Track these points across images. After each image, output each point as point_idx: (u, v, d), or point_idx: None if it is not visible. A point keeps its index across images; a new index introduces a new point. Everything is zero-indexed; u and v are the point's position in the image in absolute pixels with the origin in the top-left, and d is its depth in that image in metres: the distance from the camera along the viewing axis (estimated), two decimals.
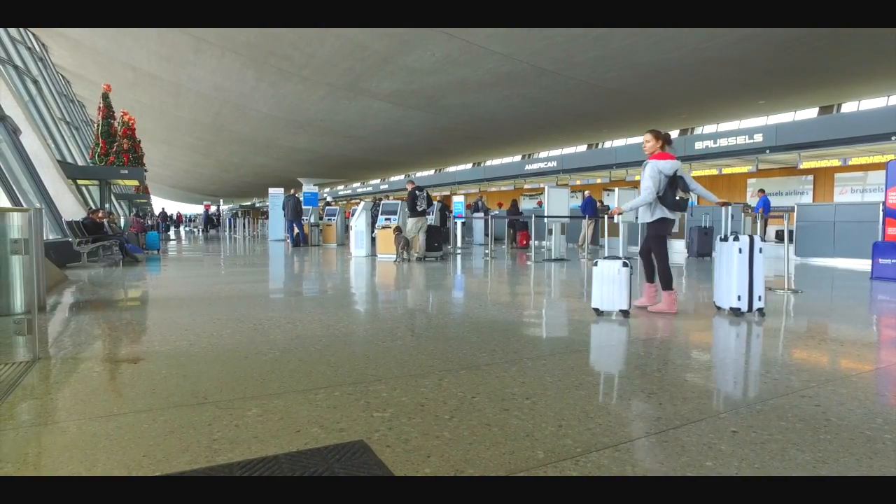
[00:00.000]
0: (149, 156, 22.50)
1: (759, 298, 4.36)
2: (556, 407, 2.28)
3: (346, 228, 15.26)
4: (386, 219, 10.56)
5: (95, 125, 16.97)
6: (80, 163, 16.04)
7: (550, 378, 2.71)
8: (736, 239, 4.39)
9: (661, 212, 4.49)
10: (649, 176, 4.44)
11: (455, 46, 13.51)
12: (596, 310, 4.38)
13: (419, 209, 9.84)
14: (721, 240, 4.56)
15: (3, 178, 7.95)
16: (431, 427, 2.06)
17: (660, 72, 14.43)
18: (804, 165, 16.07)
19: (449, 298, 5.63)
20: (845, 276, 7.71)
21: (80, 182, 15.02)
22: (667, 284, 4.52)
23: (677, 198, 4.43)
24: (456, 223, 12.92)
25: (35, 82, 14.86)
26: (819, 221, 9.91)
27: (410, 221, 9.86)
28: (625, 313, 4.31)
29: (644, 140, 4.66)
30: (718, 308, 4.55)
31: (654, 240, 4.61)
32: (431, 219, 11.10)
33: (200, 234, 27.90)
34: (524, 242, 13.77)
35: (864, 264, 8.18)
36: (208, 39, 14.80)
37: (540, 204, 18.84)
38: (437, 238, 10.49)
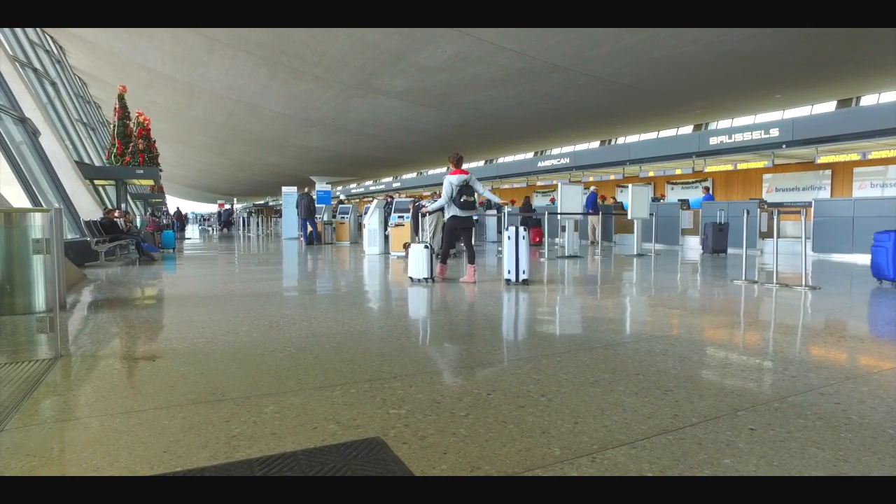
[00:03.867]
0: (164, 156, 22.79)
1: (524, 272, 6.07)
2: (572, 403, 2.28)
3: (359, 226, 15.35)
4: (399, 216, 10.58)
5: (111, 126, 17.20)
6: (97, 163, 16.26)
7: (565, 375, 2.70)
8: (507, 229, 6.09)
9: (454, 210, 6.30)
10: (444, 187, 6.33)
11: (467, 44, 13.48)
12: (410, 278, 6.45)
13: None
14: (504, 230, 6.22)
15: (24, 178, 8.10)
16: (447, 424, 2.06)
17: (674, 67, 14.24)
18: (822, 160, 15.73)
19: (462, 296, 5.63)
20: (865, 273, 7.57)
21: (96, 182, 15.26)
22: (443, 259, 6.74)
23: (462, 200, 6.20)
24: None
25: (53, 84, 15.09)
26: (837, 217, 9.73)
27: (427, 220, 9.86)
28: (427, 280, 6.35)
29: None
30: (505, 280, 6.14)
31: (447, 230, 6.55)
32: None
33: (217, 232, 28.20)
34: (537, 239, 13.71)
35: None
36: (221, 39, 14.93)
37: (553, 201, 18.75)
38: None
